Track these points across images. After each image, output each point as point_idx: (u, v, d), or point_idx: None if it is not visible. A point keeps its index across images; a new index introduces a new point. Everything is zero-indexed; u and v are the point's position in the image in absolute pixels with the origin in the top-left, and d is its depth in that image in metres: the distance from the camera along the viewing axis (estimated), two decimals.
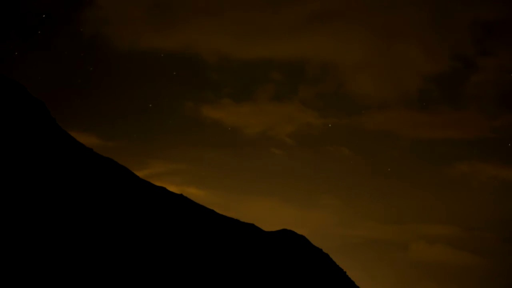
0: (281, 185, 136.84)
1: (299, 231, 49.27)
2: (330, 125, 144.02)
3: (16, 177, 36.41)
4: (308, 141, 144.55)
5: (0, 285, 30.09)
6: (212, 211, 45.91)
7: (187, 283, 36.93)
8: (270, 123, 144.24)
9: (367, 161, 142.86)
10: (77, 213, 36.57)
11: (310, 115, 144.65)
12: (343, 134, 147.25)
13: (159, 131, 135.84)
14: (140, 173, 46.00)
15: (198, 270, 38.40)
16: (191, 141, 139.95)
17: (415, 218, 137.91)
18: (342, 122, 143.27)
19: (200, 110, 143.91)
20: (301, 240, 48.24)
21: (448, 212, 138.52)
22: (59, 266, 32.51)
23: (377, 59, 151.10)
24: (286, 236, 47.96)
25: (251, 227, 46.81)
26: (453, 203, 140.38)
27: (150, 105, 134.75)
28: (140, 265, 35.77)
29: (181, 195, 45.43)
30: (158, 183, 45.94)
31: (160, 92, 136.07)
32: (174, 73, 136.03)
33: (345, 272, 47.99)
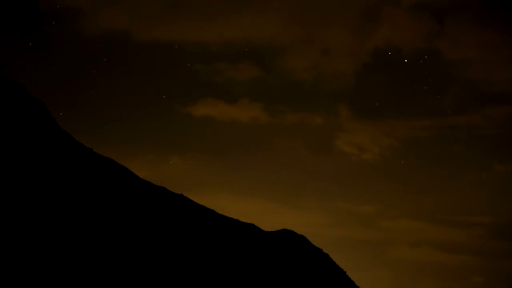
0: (269, 185, 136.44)
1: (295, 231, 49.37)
2: (344, 117, 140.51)
3: (16, 177, 36.39)
4: (301, 140, 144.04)
5: (0, 285, 30.07)
6: (212, 211, 45.92)
7: (187, 283, 36.93)
8: (261, 121, 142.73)
9: (353, 160, 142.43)
10: (77, 213, 36.56)
11: (301, 113, 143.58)
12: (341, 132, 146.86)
13: (154, 131, 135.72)
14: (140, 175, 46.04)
15: (198, 270, 38.41)
16: (187, 141, 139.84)
17: (409, 217, 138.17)
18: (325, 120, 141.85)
19: (189, 108, 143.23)
20: (301, 240, 48.26)
21: (438, 210, 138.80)
22: (59, 266, 32.50)
23: (305, 48, 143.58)
24: (286, 236, 47.98)
25: (251, 227, 46.83)
26: (444, 201, 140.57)
27: (165, 96, 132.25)
28: (140, 265, 35.77)
29: (181, 195, 45.44)
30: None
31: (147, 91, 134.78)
32: (188, 64, 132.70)
33: (345, 272, 48.03)
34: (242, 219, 47.10)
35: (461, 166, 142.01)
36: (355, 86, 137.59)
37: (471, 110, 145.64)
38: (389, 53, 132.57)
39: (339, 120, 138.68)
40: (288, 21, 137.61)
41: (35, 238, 33.18)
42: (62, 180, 38.51)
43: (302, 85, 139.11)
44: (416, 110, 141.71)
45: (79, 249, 34.15)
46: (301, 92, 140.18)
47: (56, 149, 41.03)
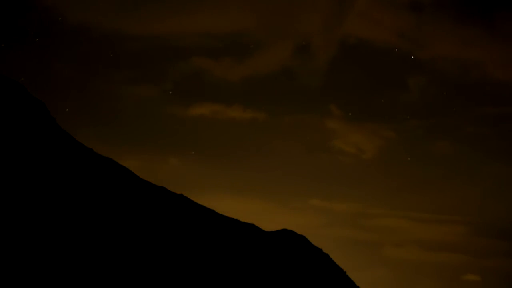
0: (265, 185, 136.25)
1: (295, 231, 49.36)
2: (350, 114, 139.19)
3: (16, 177, 36.40)
4: (299, 141, 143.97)
5: (0, 285, 30.08)
6: (212, 211, 45.92)
7: (187, 283, 36.93)
8: (259, 121, 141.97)
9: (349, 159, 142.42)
10: (77, 213, 36.57)
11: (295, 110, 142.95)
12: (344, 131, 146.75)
13: (153, 132, 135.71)
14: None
15: (198, 270, 38.41)
16: (187, 141, 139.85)
17: (405, 216, 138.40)
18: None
19: (189, 108, 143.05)
20: (301, 240, 48.27)
21: (431, 209, 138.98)
22: (59, 266, 32.51)
23: (281, 43, 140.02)
24: (286, 236, 47.99)
25: (251, 227, 46.83)
26: (439, 200, 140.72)
27: (171, 92, 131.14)
28: (140, 265, 35.78)
29: (181, 195, 45.44)
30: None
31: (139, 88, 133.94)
32: (185, 63, 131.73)
33: (345, 272, 48.05)
34: (242, 219, 47.15)
35: (449, 165, 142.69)
36: (338, 82, 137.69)
37: (458, 110, 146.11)
38: (363, 48, 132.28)
39: (335, 119, 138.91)
40: (265, 15, 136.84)
41: (36, 238, 33.18)
42: (62, 180, 38.52)
43: (287, 82, 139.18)
44: (402, 109, 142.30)
45: (80, 248, 34.16)
46: (291, 90, 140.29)
47: (56, 149, 41.03)
